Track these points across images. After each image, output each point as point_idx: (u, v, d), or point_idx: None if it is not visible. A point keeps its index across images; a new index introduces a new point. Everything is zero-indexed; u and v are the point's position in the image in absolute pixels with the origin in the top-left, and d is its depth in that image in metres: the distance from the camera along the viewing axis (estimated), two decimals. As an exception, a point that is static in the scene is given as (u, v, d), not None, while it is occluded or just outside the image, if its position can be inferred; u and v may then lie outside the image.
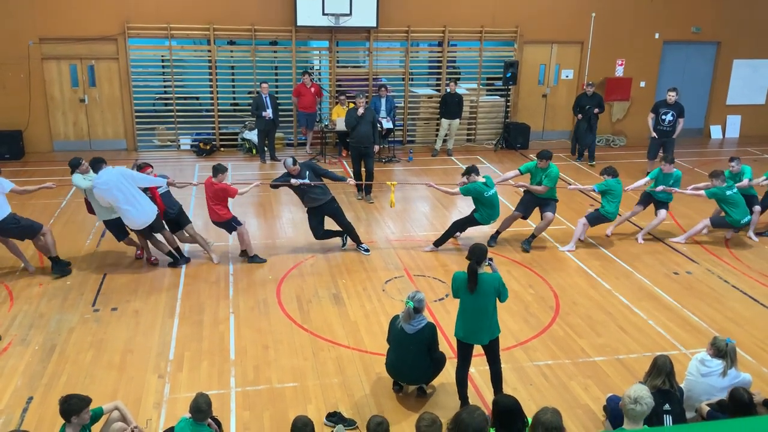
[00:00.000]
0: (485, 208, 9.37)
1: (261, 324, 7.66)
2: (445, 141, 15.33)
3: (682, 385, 5.84)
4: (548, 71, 16.43)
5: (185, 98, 15.60)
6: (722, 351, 5.80)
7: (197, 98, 15.95)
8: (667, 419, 5.36)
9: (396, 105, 15.07)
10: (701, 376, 5.82)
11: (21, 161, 13.82)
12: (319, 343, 7.30)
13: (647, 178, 10.43)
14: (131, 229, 8.95)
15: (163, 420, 5.98)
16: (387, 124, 14.49)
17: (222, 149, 15.21)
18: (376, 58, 15.54)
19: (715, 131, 17.65)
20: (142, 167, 9.10)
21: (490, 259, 6.10)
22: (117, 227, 8.88)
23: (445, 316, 7.81)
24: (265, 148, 14.32)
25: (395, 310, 7.71)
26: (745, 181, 10.21)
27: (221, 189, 8.94)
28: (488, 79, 16.67)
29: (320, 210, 9.38)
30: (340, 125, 14.26)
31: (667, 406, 5.39)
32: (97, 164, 8.61)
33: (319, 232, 9.47)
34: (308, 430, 4.95)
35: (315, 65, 16.46)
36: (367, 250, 9.66)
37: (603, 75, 16.46)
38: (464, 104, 15.21)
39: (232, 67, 15.90)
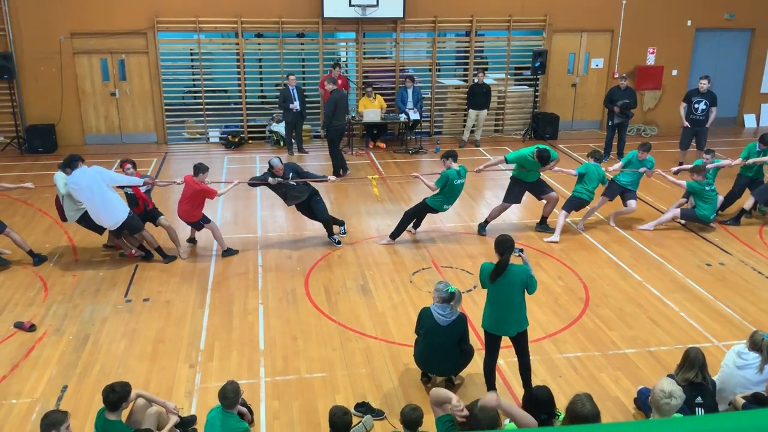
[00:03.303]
0: (444, 194, 9.30)
1: (290, 315, 7.71)
2: (472, 132, 15.24)
3: (715, 378, 5.76)
4: (578, 60, 16.22)
5: (214, 91, 15.72)
6: (758, 345, 5.69)
7: (225, 91, 16.07)
8: (700, 412, 5.28)
9: (423, 96, 15.03)
10: (737, 369, 5.71)
11: (54, 154, 14.04)
12: (347, 333, 7.33)
13: (621, 162, 10.45)
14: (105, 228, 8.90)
15: (194, 409, 6.06)
16: (414, 115, 14.45)
17: (250, 141, 15.30)
18: (403, 49, 15.50)
19: (749, 120, 17.30)
20: (122, 163, 9.09)
21: (521, 250, 6.02)
22: (91, 224, 8.80)
23: (473, 307, 7.78)
24: (293, 140, 14.38)
25: (423, 301, 7.71)
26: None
27: (201, 191, 8.89)
28: (516, 68, 16.51)
29: (305, 204, 9.48)
30: (367, 117, 14.30)
31: (699, 399, 5.32)
32: (73, 162, 8.59)
33: (324, 217, 9.56)
34: (345, 421, 4.99)
35: (342, 57, 16.46)
36: (338, 242, 9.64)
37: (634, 63, 16.22)
38: (492, 94, 15.10)
39: (260, 60, 15.97)
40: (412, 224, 9.84)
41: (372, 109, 14.31)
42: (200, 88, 15.13)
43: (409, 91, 14.49)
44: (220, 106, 15.65)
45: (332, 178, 9.77)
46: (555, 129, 15.76)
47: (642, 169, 10.10)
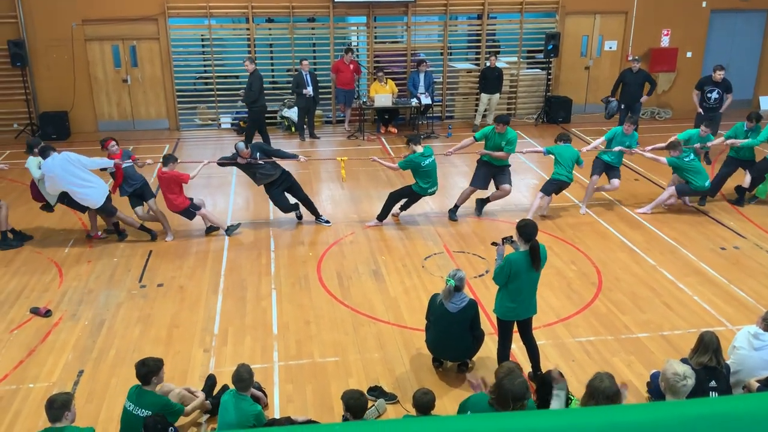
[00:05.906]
0: (421, 178, 9.38)
1: (302, 300, 7.75)
2: (484, 116, 15.15)
3: (728, 361, 5.74)
4: (591, 43, 16.06)
5: (225, 77, 15.72)
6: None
7: (237, 77, 16.05)
8: (714, 396, 5.27)
9: (434, 80, 14.95)
10: (754, 350, 5.69)
11: (67, 141, 14.12)
12: (359, 318, 7.35)
13: (602, 139, 10.41)
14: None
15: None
16: (425, 99, 14.39)
17: (262, 127, 15.29)
18: (415, 32, 15.39)
19: (765, 102, 17.06)
20: (105, 141, 9.17)
21: (512, 239, 6.02)
22: (73, 203, 8.96)
23: (485, 292, 7.78)
24: (305, 126, 14.36)
25: (434, 286, 7.72)
26: (696, 144, 10.29)
27: (173, 177, 9.00)
28: (529, 51, 16.37)
29: (276, 185, 9.54)
30: (379, 102, 14.24)
31: (713, 383, 5.31)
32: (45, 152, 8.75)
33: (285, 204, 9.66)
34: (361, 404, 5.01)
35: (353, 41, 16.38)
36: (327, 222, 9.78)
37: (648, 46, 16.04)
38: (504, 78, 15.00)
39: (271, 45, 15.93)
40: (399, 206, 9.86)
41: (383, 94, 14.26)
42: (211, 74, 15.13)
43: (421, 76, 14.42)
44: (231, 92, 15.65)
45: (303, 158, 9.88)
46: (568, 112, 15.65)
47: (617, 148, 9.97)
